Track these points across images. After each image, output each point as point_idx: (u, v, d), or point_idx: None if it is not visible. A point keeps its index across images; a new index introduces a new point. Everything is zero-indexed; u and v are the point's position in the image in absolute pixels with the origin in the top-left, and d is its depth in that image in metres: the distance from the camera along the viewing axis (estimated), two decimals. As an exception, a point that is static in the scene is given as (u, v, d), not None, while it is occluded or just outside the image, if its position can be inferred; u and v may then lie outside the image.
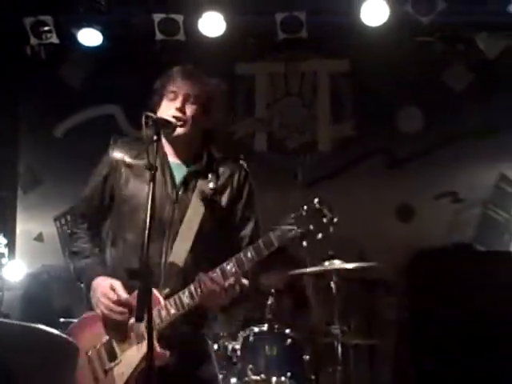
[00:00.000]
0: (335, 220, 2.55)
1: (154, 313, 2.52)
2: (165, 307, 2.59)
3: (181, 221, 2.70)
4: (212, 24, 5.55)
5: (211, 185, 2.74)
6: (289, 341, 4.33)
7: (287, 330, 4.36)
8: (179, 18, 5.63)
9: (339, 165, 5.89)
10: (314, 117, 6.08)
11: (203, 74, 2.83)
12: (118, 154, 2.85)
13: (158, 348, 2.52)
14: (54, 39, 5.76)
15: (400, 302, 5.51)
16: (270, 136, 6.05)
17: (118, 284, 2.65)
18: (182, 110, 2.68)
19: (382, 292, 5.51)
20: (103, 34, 5.70)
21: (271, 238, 2.53)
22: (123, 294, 2.63)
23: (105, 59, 5.86)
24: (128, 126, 5.92)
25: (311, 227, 2.51)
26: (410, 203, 5.76)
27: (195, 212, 2.71)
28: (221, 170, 2.80)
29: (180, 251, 2.67)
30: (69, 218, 5.85)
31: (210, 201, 2.73)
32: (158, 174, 2.59)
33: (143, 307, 2.32)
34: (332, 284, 4.46)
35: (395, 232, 5.67)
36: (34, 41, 5.77)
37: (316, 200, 2.54)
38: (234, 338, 4.38)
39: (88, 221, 2.88)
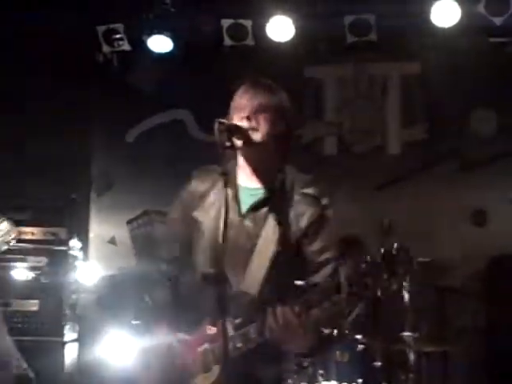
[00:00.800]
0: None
1: (218, 346, 2.49)
2: (232, 340, 2.49)
3: (251, 249, 2.60)
4: (280, 28, 5.49)
5: (281, 218, 2.59)
6: (360, 347, 4.25)
7: (359, 336, 4.27)
8: (248, 23, 5.60)
9: (410, 168, 5.74)
10: (384, 120, 5.94)
11: (272, 83, 2.71)
12: (193, 185, 2.78)
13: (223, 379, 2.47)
14: (126, 46, 5.83)
15: (474, 309, 5.34)
16: (340, 140, 5.95)
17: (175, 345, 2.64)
18: (249, 118, 2.57)
19: (456, 298, 5.34)
20: (173, 41, 5.72)
21: (341, 284, 2.35)
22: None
23: (174, 65, 5.87)
24: (197, 131, 5.94)
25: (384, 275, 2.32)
26: (483, 207, 5.58)
27: (267, 241, 2.59)
28: (294, 201, 2.64)
29: (252, 281, 2.57)
30: (141, 221, 5.96)
31: (280, 235, 2.58)
32: (224, 199, 2.49)
33: (219, 311, 2.31)
34: (404, 290, 4.36)
35: (469, 236, 5.48)
36: (106, 48, 5.85)
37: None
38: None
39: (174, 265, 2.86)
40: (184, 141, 5.93)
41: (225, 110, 2.78)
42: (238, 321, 2.52)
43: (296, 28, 5.49)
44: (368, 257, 2.32)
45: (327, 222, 2.64)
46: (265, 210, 2.64)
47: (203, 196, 2.71)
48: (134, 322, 4.68)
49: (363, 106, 5.99)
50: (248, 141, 2.57)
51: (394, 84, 5.94)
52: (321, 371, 4.16)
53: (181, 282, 2.82)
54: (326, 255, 2.61)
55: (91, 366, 4.94)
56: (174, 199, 2.90)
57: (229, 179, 2.51)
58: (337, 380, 4.15)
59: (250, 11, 5.60)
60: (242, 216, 2.64)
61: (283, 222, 2.60)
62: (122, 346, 4.80)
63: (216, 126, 2.48)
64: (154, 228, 5.90)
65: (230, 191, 2.53)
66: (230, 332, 2.49)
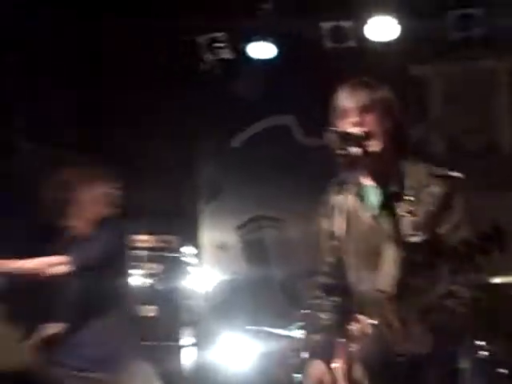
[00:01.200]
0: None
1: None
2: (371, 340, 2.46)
3: (382, 246, 2.53)
4: (383, 28, 5.40)
5: (409, 207, 2.50)
6: (483, 353, 4.12)
7: (482, 342, 4.15)
8: (348, 24, 5.55)
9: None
10: (494, 117, 5.74)
11: (370, 79, 2.61)
12: (329, 195, 2.75)
13: None
14: (227, 54, 5.91)
15: None
16: (448, 138, 5.79)
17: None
18: (357, 123, 2.50)
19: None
20: (274, 46, 5.73)
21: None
22: None
23: (277, 71, 5.86)
24: (302, 136, 5.93)
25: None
26: None
27: (397, 237, 2.50)
28: (422, 186, 2.52)
29: (386, 278, 2.51)
30: (250, 226, 6.01)
31: (409, 224, 2.50)
32: (354, 199, 2.51)
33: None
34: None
35: None
36: (208, 57, 5.94)
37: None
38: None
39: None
40: (289, 145, 5.91)
41: (329, 114, 2.75)
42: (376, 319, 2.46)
43: (399, 27, 5.37)
44: None
45: (458, 195, 2.53)
46: (392, 204, 2.55)
47: (336, 204, 2.67)
48: (248, 327, 4.76)
49: (471, 103, 5.80)
50: (361, 146, 2.50)
51: (503, 80, 5.72)
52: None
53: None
54: (461, 232, 2.48)
55: (208, 369, 5.01)
56: (281, 206, 2.90)
57: (351, 184, 2.48)
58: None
59: (351, 13, 5.53)
60: (373, 216, 2.58)
61: (413, 211, 2.50)
62: (237, 350, 4.86)
63: (328, 134, 2.45)
64: (263, 233, 5.94)
65: (355, 194, 2.50)
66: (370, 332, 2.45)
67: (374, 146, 2.52)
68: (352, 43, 5.61)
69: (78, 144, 5.54)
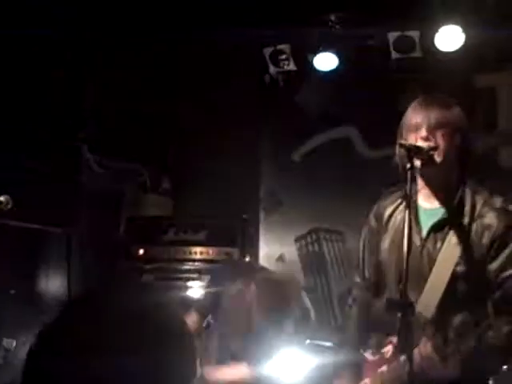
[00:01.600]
0: None
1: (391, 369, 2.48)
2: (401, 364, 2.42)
3: (429, 270, 2.52)
4: (450, 38, 5.23)
5: (463, 236, 2.49)
6: None
7: None
8: (415, 34, 5.41)
9: None
10: None
11: (445, 97, 2.63)
12: (380, 207, 2.76)
13: None
14: (292, 66, 5.84)
15: None
16: (515, 151, 5.57)
17: None
18: (427, 138, 2.50)
19: None
20: (338, 57, 5.65)
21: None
22: None
23: (340, 82, 5.79)
24: (364, 148, 5.80)
25: None
26: None
27: (445, 264, 2.49)
28: (478, 215, 2.52)
29: (428, 301, 2.47)
30: (309, 239, 5.93)
31: (461, 253, 2.48)
32: (406, 219, 2.46)
33: (404, 341, 2.27)
34: None
35: None
36: (272, 69, 5.91)
37: None
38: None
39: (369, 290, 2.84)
40: (351, 158, 5.81)
41: (392, 126, 2.70)
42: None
43: (466, 36, 5.21)
44: None
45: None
46: (445, 230, 2.54)
47: (388, 220, 2.68)
48: (308, 342, 4.65)
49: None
50: (428, 161, 2.49)
51: None
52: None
53: (366, 303, 2.80)
54: (510, 271, 2.45)
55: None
56: (341, 218, 2.91)
57: (410, 201, 2.44)
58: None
59: (418, 22, 5.39)
60: (424, 239, 2.55)
61: (465, 240, 2.48)
62: (294, 364, 4.76)
63: (397, 148, 2.48)
64: (323, 246, 5.85)
65: (410, 214, 2.46)
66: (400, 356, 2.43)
67: (440, 160, 2.50)
68: (418, 53, 5.48)
69: (140, 156, 5.60)
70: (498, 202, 2.54)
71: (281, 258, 6.01)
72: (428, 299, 2.48)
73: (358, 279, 2.86)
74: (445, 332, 2.39)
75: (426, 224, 2.57)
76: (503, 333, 2.37)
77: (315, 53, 5.69)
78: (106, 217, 5.52)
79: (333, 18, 5.55)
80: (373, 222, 2.77)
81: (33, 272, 5.24)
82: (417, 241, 2.55)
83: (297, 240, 5.97)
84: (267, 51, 5.81)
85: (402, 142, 2.48)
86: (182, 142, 5.86)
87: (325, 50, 5.65)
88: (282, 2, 5.30)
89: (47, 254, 5.35)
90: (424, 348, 2.35)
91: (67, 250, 5.31)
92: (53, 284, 5.35)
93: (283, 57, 5.82)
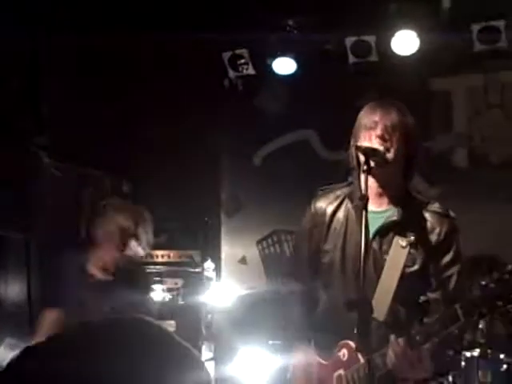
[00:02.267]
0: None
1: (350, 372, 2.45)
2: (361, 367, 2.42)
3: (378, 275, 2.52)
4: (405, 42, 5.29)
5: (409, 239, 2.52)
6: (504, 366, 3.96)
7: (501, 356, 3.99)
8: (372, 38, 5.46)
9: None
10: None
11: (400, 103, 2.66)
12: (319, 206, 2.72)
13: None
14: (251, 70, 5.84)
15: None
16: (471, 151, 5.61)
17: (313, 358, 2.64)
18: (383, 137, 2.52)
19: None
20: (297, 62, 5.67)
21: (457, 312, 2.28)
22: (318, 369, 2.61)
23: (299, 85, 5.79)
24: (323, 150, 5.82)
25: (498, 303, 2.21)
26: None
27: (393, 266, 2.51)
28: (422, 220, 2.56)
29: (380, 306, 2.47)
30: (270, 241, 5.93)
31: (408, 255, 2.51)
32: (354, 222, 2.52)
33: (363, 339, 2.28)
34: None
35: None
36: (231, 73, 5.89)
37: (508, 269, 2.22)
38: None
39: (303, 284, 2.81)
40: (310, 160, 5.81)
41: (350, 129, 2.70)
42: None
43: (421, 40, 5.27)
44: (496, 275, 2.22)
45: (457, 236, 2.58)
46: (391, 233, 2.56)
47: (330, 218, 2.66)
48: (270, 342, 4.64)
49: (495, 115, 5.63)
50: (382, 161, 2.50)
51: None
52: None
53: (313, 301, 2.75)
54: (454, 269, 2.53)
55: (227, 384, 4.92)
56: (301, 219, 2.86)
57: (367, 202, 2.44)
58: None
59: (374, 27, 5.44)
60: (370, 241, 2.55)
61: (411, 242, 2.52)
62: (256, 364, 4.76)
63: (352, 149, 2.50)
64: (284, 247, 5.86)
65: (366, 214, 2.47)
66: (360, 359, 2.42)
67: (391, 158, 2.53)
68: (374, 57, 5.52)
69: (99, 161, 5.52)
70: (440, 208, 2.60)
71: (243, 260, 5.99)
72: (379, 303, 2.47)
73: (296, 280, 2.83)
74: (398, 333, 2.39)
75: (373, 226, 2.57)
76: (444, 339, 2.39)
77: (274, 57, 5.69)
78: (65, 222, 5.42)
79: (291, 22, 5.57)
80: (311, 217, 2.73)
81: None
82: (362, 242, 2.50)
83: (258, 242, 5.96)
84: (226, 55, 5.81)
85: (359, 144, 2.49)
86: (142, 147, 5.78)
87: (283, 54, 5.67)
88: (240, 7, 5.29)
89: (6, 259, 5.23)
90: (397, 346, 2.34)
91: (26, 256, 5.20)
92: (12, 290, 5.23)
93: (242, 61, 5.83)
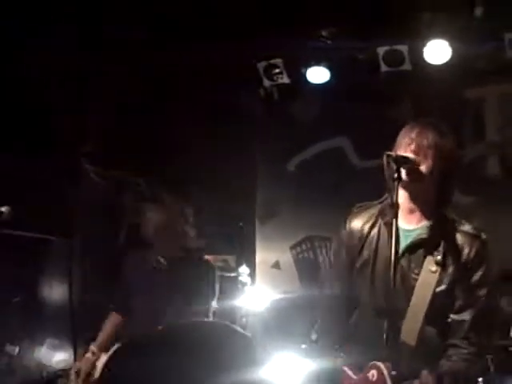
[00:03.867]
0: None
1: None
2: None
3: (406, 292, 2.43)
4: (437, 51, 5.20)
5: (438, 258, 2.43)
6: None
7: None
8: (404, 48, 5.37)
9: None
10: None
11: (442, 124, 2.56)
12: (354, 225, 2.64)
13: None
14: (285, 79, 5.82)
15: None
16: (504, 159, 5.45)
17: None
18: (416, 152, 2.44)
19: None
20: (330, 71, 5.63)
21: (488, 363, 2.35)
22: None
23: (332, 94, 5.75)
24: (356, 157, 5.74)
25: None
26: None
27: (424, 287, 2.41)
28: (452, 239, 2.46)
29: (410, 330, 2.38)
30: (304, 246, 5.90)
31: (438, 275, 2.42)
32: (385, 237, 2.46)
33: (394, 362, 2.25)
34: None
35: None
36: (267, 83, 5.89)
37: None
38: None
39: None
40: (343, 167, 5.77)
41: (382, 136, 2.61)
42: (394, 373, 2.32)
43: (452, 50, 5.18)
44: None
45: (487, 257, 2.47)
46: (421, 250, 2.46)
47: (365, 236, 2.57)
48: (303, 346, 4.58)
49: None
50: (414, 172, 2.42)
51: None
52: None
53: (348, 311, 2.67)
54: (483, 291, 2.44)
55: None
56: (335, 227, 2.79)
57: (397, 211, 2.37)
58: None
59: (406, 37, 5.35)
60: (399, 258, 2.44)
61: (439, 263, 2.42)
62: (289, 367, 4.71)
63: (384, 158, 2.42)
64: (317, 253, 5.82)
65: (387, 229, 2.42)
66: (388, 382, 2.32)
67: (425, 172, 2.44)
68: (407, 66, 5.44)
69: (140, 169, 5.57)
70: (471, 228, 2.50)
71: (277, 265, 5.95)
72: (409, 327, 2.39)
73: (328, 291, 2.77)
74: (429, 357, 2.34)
75: (403, 243, 2.49)
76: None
77: (308, 66, 5.67)
78: (105, 225, 5.48)
79: (324, 33, 5.53)
80: (346, 233, 2.65)
81: (35, 280, 5.20)
82: (391, 259, 2.40)
83: (292, 247, 5.92)
84: (261, 65, 5.79)
85: (390, 152, 2.42)
86: (180, 154, 5.80)
87: (317, 63, 5.64)
88: (275, 17, 5.26)
89: (50, 262, 5.31)
90: (426, 380, 2.28)
91: (69, 259, 5.27)
92: (55, 292, 5.31)
93: (277, 70, 5.80)
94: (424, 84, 5.41)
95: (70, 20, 5.00)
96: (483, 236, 2.49)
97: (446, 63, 5.24)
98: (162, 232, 3.69)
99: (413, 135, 2.47)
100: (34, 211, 4.76)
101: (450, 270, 2.44)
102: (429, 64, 5.29)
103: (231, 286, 5.08)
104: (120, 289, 3.84)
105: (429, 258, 2.44)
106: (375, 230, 2.55)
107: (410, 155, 2.42)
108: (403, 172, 2.40)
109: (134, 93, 5.54)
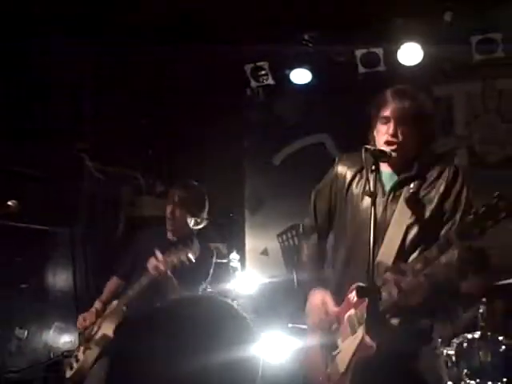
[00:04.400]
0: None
1: (359, 310, 2.58)
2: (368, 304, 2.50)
3: (387, 223, 2.65)
4: (410, 54, 5.48)
5: (414, 188, 2.65)
6: (503, 347, 4.13)
7: (500, 337, 4.15)
8: (379, 51, 5.64)
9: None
10: (512, 132, 5.68)
11: (415, 90, 2.75)
12: (341, 168, 2.88)
13: (366, 340, 2.49)
14: (270, 81, 6.08)
15: None
16: (471, 151, 5.78)
17: (328, 298, 2.75)
18: (394, 135, 2.63)
19: None
20: (312, 72, 5.89)
21: (451, 234, 2.43)
22: (332, 308, 2.73)
23: (314, 94, 5.99)
24: (337, 152, 5.96)
25: (488, 223, 2.31)
26: None
27: (401, 216, 2.64)
28: (429, 173, 2.67)
29: (388, 251, 2.61)
30: (289, 234, 6.12)
31: (415, 204, 2.63)
32: (371, 182, 2.57)
33: (371, 321, 2.40)
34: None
35: None
36: (253, 83, 6.13)
37: (495, 195, 2.31)
38: (448, 344, 4.26)
39: (317, 232, 2.97)
40: (325, 161, 5.93)
41: (360, 132, 2.84)
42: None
43: (424, 52, 5.46)
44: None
45: (461, 183, 2.65)
46: (400, 190, 2.68)
47: (348, 183, 2.80)
48: (290, 325, 4.81)
49: (492, 119, 5.82)
50: (390, 159, 2.64)
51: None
52: (465, 371, 4.11)
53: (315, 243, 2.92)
54: (459, 209, 2.60)
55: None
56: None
57: (375, 201, 2.55)
58: (481, 379, 4.06)
59: (381, 40, 5.62)
60: (386, 198, 2.69)
61: (414, 197, 2.63)
62: (278, 346, 4.94)
63: (362, 151, 2.55)
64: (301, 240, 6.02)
65: (372, 175, 2.57)
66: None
67: (398, 155, 2.64)
68: (382, 67, 5.69)
69: (138, 165, 5.75)
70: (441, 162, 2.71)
71: (265, 252, 6.20)
72: (388, 248, 2.61)
73: (307, 221, 3.01)
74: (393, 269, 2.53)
75: (387, 186, 2.71)
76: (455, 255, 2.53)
77: (291, 68, 5.92)
78: (105, 217, 5.66)
79: (306, 37, 5.76)
80: (333, 176, 2.90)
81: (42, 268, 5.36)
82: (382, 201, 2.67)
83: (278, 235, 6.15)
84: (248, 68, 6.03)
85: (368, 147, 2.58)
86: (173, 150, 6.01)
87: (299, 65, 5.89)
88: (261, 23, 5.48)
89: (54, 252, 5.47)
90: (397, 275, 2.47)
91: (72, 248, 5.44)
92: (60, 278, 5.47)
93: (262, 72, 6.04)
94: (398, 83, 5.55)
95: (68, 19, 5.13)
96: (455, 163, 2.71)
97: (418, 64, 5.50)
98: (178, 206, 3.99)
99: (388, 111, 2.66)
100: (41, 205, 4.96)
101: (433, 195, 2.63)
102: (402, 65, 5.54)
103: (223, 271, 5.31)
104: (123, 261, 4.16)
105: (407, 192, 2.65)
106: (358, 181, 2.76)
107: (386, 149, 2.61)
108: (381, 164, 2.62)
109: (130, 92, 5.73)
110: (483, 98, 5.82)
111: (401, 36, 5.50)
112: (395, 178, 2.74)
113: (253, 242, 6.18)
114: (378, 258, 2.57)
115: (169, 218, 4.01)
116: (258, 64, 6.00)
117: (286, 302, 5.35)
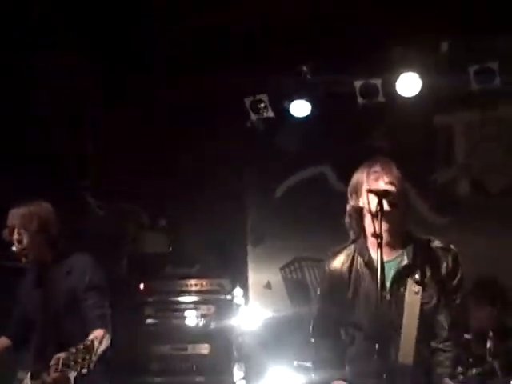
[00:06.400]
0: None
1: None
2: None
3: (400, 319, 2.52)
4: (409, 84, 5.35)
5: (417, 277, 2.54)
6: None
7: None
8: (378, 81, 5.52)
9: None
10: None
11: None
12: (333, 268, 2.71)
13: None
14: (270, 113, 5.94)
15: None
16: (472, 181, 5.62)
17: None
18: (392, 182, 2.55)
19: None
20: (311, 104, 5.75)
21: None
22: None
23: (314, 125, 5.86)
24: (338, 183, 5.81)
25: None
26: None
27: (412, 309, 2.51)
28: (429, 257, 2.58)
29: (407, 350, 2.49)
30: (292, 267, 5.97)
31: (423, 295, 2.54)
32: (369, 276, 2.54)
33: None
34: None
35: None
36: (253, 116, 5.99)
37: None
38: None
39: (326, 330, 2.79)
40: (326, 192, 5.82)
41: (361, 162, 2.72)
42: None
43: (422, 82, 5.33)
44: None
45: (460, 266, 2.60)
46: (403, 279, 2.56)
47: (347, 275, 2.64)
48: (296, 363, 4.64)
49: (492, 147, 5.66)
50: (393, 204, 2.51)
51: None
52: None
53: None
54: (458, 295, 2.58)
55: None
56: (320, 247, 2.88)
57: (381, 242, 2.45)
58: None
59: (379, 71, 5.50)
60: (389, 289, 2.55)
61: (422, 282, 2.54)
62: (284, 382, 4.77)
63: (364, 194, 2.50)
64: (305, 273, 5.89)
65: (369, 268, 2.52)
66: None
67: (401, 202, 2.55)
68: (381, 98, 5.56)
69: (142, 202, 5.63)
70: (439, 243, 2.63)
71: (268, 285, 6.01)
72: (405, 348, 2.49)
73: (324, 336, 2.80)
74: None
75: (388, 275, 2.55)
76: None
77: (290, 100, 5.78)
78: (108, 255, 5.52)
79: (304, 68, 5.65)
80: (329, 284, 2.72)
81: None
82: (383, 292, 2.52)
83: (281, 268, 5.99)
84: (247, 101, 5.91)
85: (371, 188, 2.49)
86: (175, 185, 5.89)
87: (299, 97, 5.76)
88: (259, 56, 5.40)
89: None
90: None
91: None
92: None
93: (262, 105, 5.91)
94: (397, 114, 5.53)
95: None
96: (452, 247, 2.61)
97: (417, 94, 5.38)
98: None
99: (377, 169, 2.57)
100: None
101: (434, 285, 2.54)
102: (401, 95, 5.42)
103: (227, 307, 5.17)
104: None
105: (410, 281, 2.53)
106: (355, 269, 2.62)
107: (390, 188, 2.51)
108: (385, 203, 2.48)
109: (131, 130, 5.63)
110: (483, 127, 5.67)
111: (399, 66, 5.38)
112: (393, 265, 2.59)
113: (255, 275, 5.99)
114: (400, 359, 2.49)
115: None
116: (258, 97, 5.87)
117: (291, 336, 5.18)
